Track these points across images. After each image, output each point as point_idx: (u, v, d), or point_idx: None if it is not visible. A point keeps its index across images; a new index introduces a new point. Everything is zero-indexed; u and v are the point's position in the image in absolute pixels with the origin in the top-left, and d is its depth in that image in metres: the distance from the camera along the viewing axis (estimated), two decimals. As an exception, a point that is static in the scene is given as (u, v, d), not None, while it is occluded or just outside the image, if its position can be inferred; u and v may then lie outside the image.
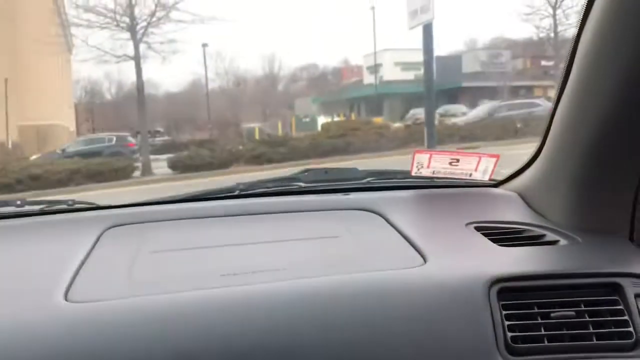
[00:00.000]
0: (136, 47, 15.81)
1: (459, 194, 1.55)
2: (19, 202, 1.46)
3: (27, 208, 1.46)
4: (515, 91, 29.79)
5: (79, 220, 1.42)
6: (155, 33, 16.39)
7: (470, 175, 1.51)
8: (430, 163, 1.51)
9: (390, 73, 33.80)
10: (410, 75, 32.24)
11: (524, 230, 1.30)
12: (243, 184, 1.58)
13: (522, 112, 18.80)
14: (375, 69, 32.25)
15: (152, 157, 17.00)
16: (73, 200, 1.51)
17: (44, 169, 13.10)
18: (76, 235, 1.30)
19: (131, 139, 19.99)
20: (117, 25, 15.86)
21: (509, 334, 0.99)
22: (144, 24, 16.04)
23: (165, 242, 1.28)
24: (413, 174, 1.53)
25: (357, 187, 1.59)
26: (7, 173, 12.46)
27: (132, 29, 15.71)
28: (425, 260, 1.12)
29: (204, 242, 1.27)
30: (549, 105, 1.34)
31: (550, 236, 1.25)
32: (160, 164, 16.46)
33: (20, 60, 19.28)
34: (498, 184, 1.56)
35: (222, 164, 15.40)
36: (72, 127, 28.39)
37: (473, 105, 28.01)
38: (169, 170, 15.77)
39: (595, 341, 1.00)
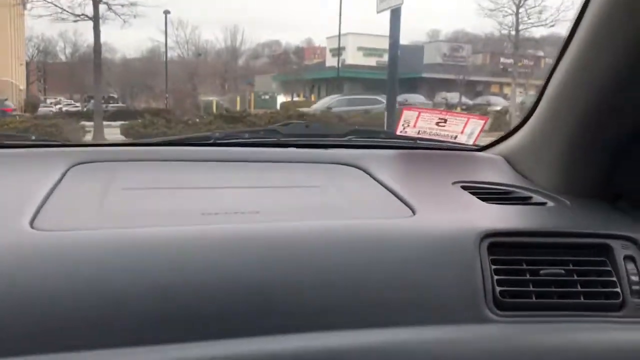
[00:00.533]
0: (95, 7, 15.29)
1: (443, 155, 1.53)
2: None
3: None
4: (472, 85, 30.33)
5: (43, 155, 1.33)
6: (117, -6, 15.88)
7: (456, 137, 1.49)
8: (417, 122, 1.49)
9: (353, 57, 33.76)
10: (372, 61, 32.31)
11: (511, 192, 1.29)
12: (219, 132, 1.52)
13: (360, 108, 18.69)
14: (338, 52, 32.16)
15: (105, 123, 16.57)
16: (37, 136, 1.43)
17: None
18: (41, 169, 1.21)
19: (9, 104, 18.88)
20: (77, -17, 15.29)
21: (498, 288, 0.98)
22: (106, -16, 15.52)
23: (138, 181, 1.22)
24: (398, 132, 1.50)
25: (339, 143, 1.54)
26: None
27: (92, -13, 15.17)
28: (414, 213, 1.10)
29: (181, 183, 1.22)
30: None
31: (538, 198, 1.25)
32: (112, 131, 16.08)
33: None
34: (482, 148, 1.56)
35: (176, 135, 15.11)
36: (22, 86, 27.30)
37: (431, 96, 28.41)
38: (122, 138, 15.43)
39: (582, 300, 1.00)
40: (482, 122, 1.48)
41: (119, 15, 16.31)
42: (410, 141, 1.53)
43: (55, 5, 15.65)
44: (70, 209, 1.04)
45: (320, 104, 21.21)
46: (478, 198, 1.21)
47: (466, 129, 1.48)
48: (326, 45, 37.42)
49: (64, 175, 1.19)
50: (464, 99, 28.15)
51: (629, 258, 1.06)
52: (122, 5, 16.11)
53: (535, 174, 1.34)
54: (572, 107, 1.18)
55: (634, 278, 1.04)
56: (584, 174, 1.24)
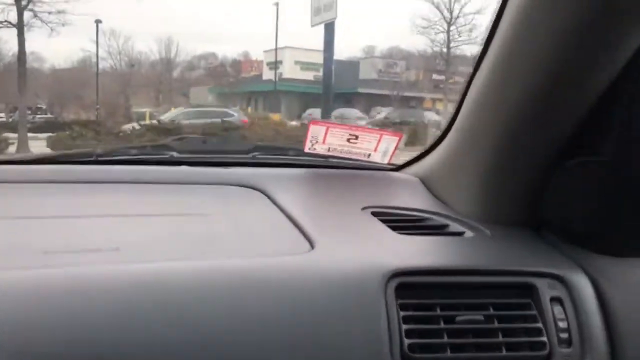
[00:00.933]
0: (20, 14, 14.68)
1: (355, 175, 1.41)
2: None
3: None
4: (406, 101, 30.98)
5: None
6: (44, 1, 15.30)
7: (369, 156, 1.39)
8: (326, 137, 1.37)
9: (290, 71, 33.87)
10: (309, 75, 32.48)
11: (425, 219, 1.17)
12: (100, 148, 1.38)
13: (209, 121, 17.71)
14: (275, 65, 32.19)
15: (31, 135, 15.93)
16: None
17: None
18: None
19: None
20: (0, -12, 14.64)
21: (407, 341, 0.85)
22: (31, -11, 14.93)
23: None
24: (307, 149, 1.39)
25: (241, 161, 1.41)
26: None
27: (17, -7, 14.56)
28: (312, 246, 0.96)
29: (35, 212, 1.05)
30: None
31: (455, 227, 1.13)
32: (38, 143, 15.47)
33: None
34: (397, 168, 1.45)
35: (107, 147, 14.69)
36: (-60, 95, 25.84)
37: (367, 110, 28.82)
38: (48, 150, 14.85)
39: (504, 352, 0.88)
40: (396, 138, 1.38)
41: (46, 23, 15.71)
42: (320, 159, 1.41)
43: (-24, 11, 14.89)
44: None
45: (166, 116, 19.94)
46: (389, 226, 1.08)
47: (380, 146, 1.38)
48: (263, 58, 37.41)
49: None
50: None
51: (556, 300, 0.94)
52: (50, 13, 15.53)
53: (453, 198, 1.22)
54: (489, 125, 1.08)
55: (562, 324, 0.92)
56: (505, 199, 1.13)
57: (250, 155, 1.45)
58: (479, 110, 1.10)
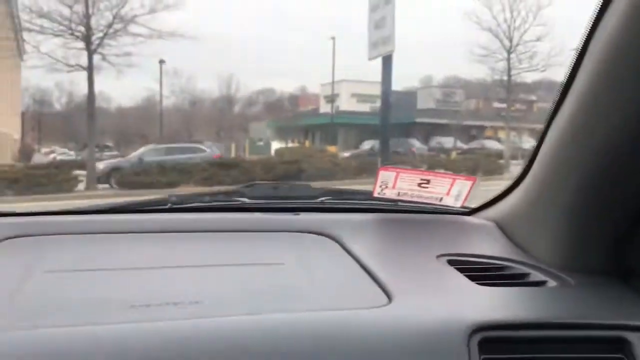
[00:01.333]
0: (90, 58, 15.39)
1: (428, 220, 1.36)
2: None
3: None
4: (466, 129, 30.58)
5: None
6: (111, 45, 16.02)
7: (441, 200, 1.33)
8: (396, 183, 1.33)
9: (347, 103, 34.12)
10: (365, 107, 32.63)
11: (504, 267, 1.12)
12: (176, 196, 1.37)
13: (179, 157, 17.24)
14: (332, 98, 32.51)
15: (99, 171, 16.56)
16: None
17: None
18: None
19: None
20: (72, 34, 15.43)
21: None
22: (100, 34, 15.67)
23: (66, 260, 1.07)
24: (376, 194, 1.35)
25: (310, 206, 1.39)
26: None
27: (87, 38, 15.30)
28: (390, 299, 0.92)
29: (115, 263, 1.06)
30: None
31: (536, 275, 1.07)
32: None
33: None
34: (472, 211, 1.39)
35: (170, 182, 15.08)
36: (17, 135, 27.38)
37: (425, 140, 28.59)
38: (115, 186, 15.38)
39: None
40: (470, 182, 1.32)
41: (114, 65, 16.40)
42: (389, 203, 1.37)
43: (50, 57, 15.74)
44: None
45: (134, 154, 18.75)
46: (466, 276, 1.03)
47: (452, 190, 1.32)
48: (320, 92, 37.89)
49: None
50: (459, 143, 28.31)
51: None
52: (117, 55, 16.22)
53: (533, 244, 1.16)
54: (573, 167, 1.01)
55: None
56: (589, 247, 1.06)
57: (319, 200, 1.43)
58: (563, 150, 1.03)
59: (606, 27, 0.85)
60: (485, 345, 0.84)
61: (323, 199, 1.43)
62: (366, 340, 0.82)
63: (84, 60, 15.51)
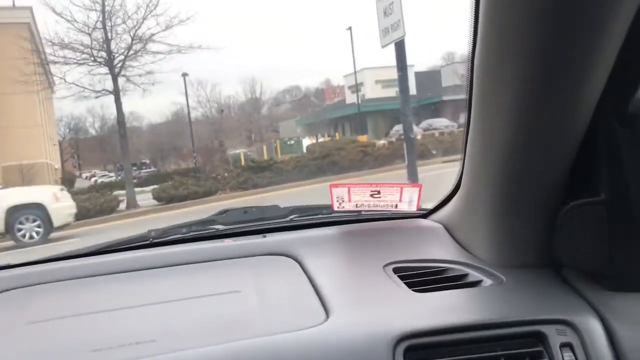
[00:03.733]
0: (115, 81, 15.84)
1: (386, 228, 1.47)
2: None
3: None
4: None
5: None
6: (133, 66, 16.44)
7: (396, 206, 1.45)
8: (350, 196, 1.46)
9: (372, 91, 33.98)
10: (391, 92, 32.35)
11: (446, 270, 1.20)
12: (155, 230, 1.48)
13: None
14: (356, 88, 32.44)
15: (138, 189, 16.95)
16: None
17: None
18: None
19: None
20: (95, 61, 15.89)
21: None
22: (121, 57, 16.08)
23: (49, 309, 1.17)
24: (335, 208, 1.47)
25: (279, 226, 1.52)
26: None
27: (109, 63, 15.75)
28: (328, 316, 1.01)
29: (89, 307, 1.15)
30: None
31: (474, 275, 1.16)
32: (145, 196, 16.42)
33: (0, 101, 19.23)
34: (427, 213, 1.49)
35: (207, 192, 15.37)
36: (57, 165, 28.23)
37: (455, 118, 28.26)
38: (155, 202, 15.71)
39: None
40: (417, 188, 1.45)
41: (138, 85, 16.80)
42: (354, 214, 1.49)
43: (77, 85, 16.22)
44: None
45: None
46: (407, 282, 1.12)
47: (404, 197, 1.45)
48: (344, 83, 37.83)
49: None
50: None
51: (566, 346, 0.95)
52: (140, 75, 16.61)
53: (473, 244, 1.25)
54: (490, 165, 1.07)
55: None
56: (521, 242, 1.13)
57: (288, 218, 1.55)
58: (479, 153, 1.10)
59: (483, 32, 0.91)
60: (410, 354, 0.92)
61: (291, 217, 1.55)
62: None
63: (109, 84, 15.96)
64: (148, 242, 1.46)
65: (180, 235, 1.49)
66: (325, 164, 16.97)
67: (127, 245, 1.47)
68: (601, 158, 0.96)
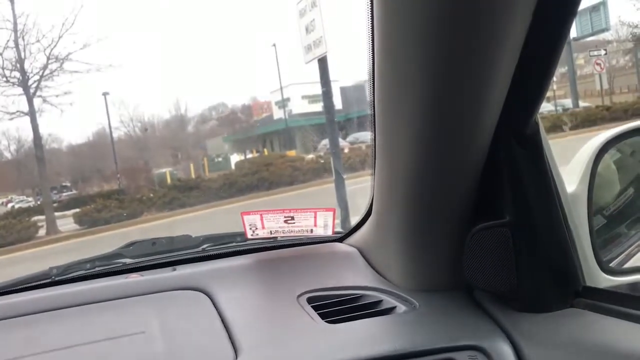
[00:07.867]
0: (30, 103, 15.19)
1: (301, 254, 1.43)
2: None
3: None
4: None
5: None
6: (50, 86, 15.80)
7: (311, 231, 1.43)
8: (263, 223, 1.41)
9: (299, 106, 34.14)
10: (318, 107, 32.67)
11: (360, 297, 1.19)
12: (57, 267, 1.38)
13: None
14: (283, 103, 32.54)
15: (58, 214, 16.26)
16: None
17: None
18: None
19: None
20: (7, 81, 15.15)
21: None
22: (37, 77, 15.42)
23: None
24: (249, 236, 1.42)
25: (191, 257, 1.44)
26: None
27: (23, 83, 15.06)
28: (237, 355, 0.99)
29: None
30: None
31: (388, 301, 1.16)
32: (67, 221, 15.78)
33: None
34: (342, 237, 1.47)
35: (132, 213, 14.92)
36: (-31, 191, 26.62)
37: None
38: (77, 227, 15.13)
39: None
40: (331, 212, 1.43)
41: (56, 106, 16.17)
42: (269, 240, 1.44)
43: (-12, 106, 15.42)
44: None
45: None
46: (321, 313, 1.11)
47: (318, 222, 1.42)
48: (271, 98, 37.85)
49: None
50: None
51: None
52: (57, 96, 15.98)
53: (387, 269, 1.24)
54: (402, 188, 1.06)
55: None
56: (431, 265, 1.14)
57: (200, 248, 1.48)
58: (386, 179, 1.10)
59: (379, 61, 0.91)
60: None
61: (204, 246, 1.48)
62: None
63: (24, 106, 15.26)
64: (49, 280, 1.36)
65: (83, 272, 1.39)
66: (254, 180, 16.84)
67: (25, 285, 1.35)
68: (504, 180, 0.97)
